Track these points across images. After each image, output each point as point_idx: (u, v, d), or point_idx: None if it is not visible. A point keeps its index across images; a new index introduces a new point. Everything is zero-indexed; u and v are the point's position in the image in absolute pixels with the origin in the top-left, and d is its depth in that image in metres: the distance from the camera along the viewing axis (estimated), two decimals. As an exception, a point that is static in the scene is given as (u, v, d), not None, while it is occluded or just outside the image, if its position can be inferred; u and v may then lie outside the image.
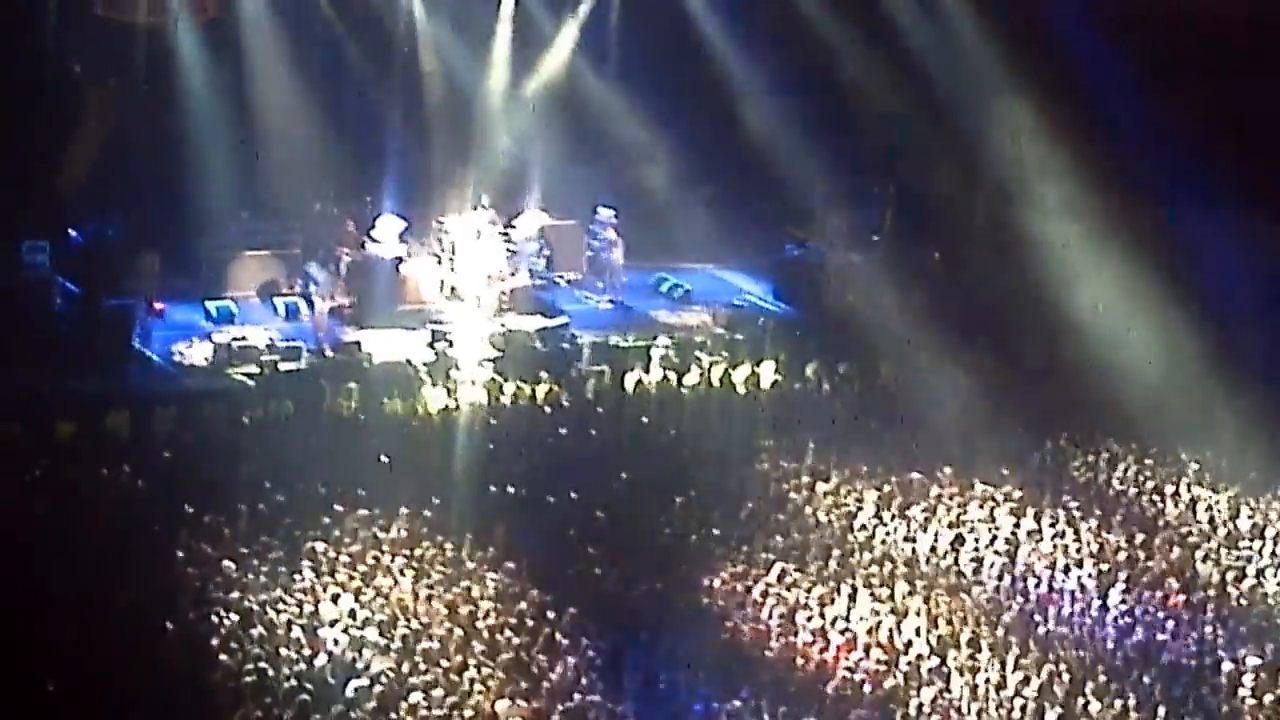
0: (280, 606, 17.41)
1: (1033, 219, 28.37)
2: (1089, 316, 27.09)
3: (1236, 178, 27.65)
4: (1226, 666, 18.35)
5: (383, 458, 21.37)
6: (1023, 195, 28.61)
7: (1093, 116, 28.22)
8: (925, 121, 28.81)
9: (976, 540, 20.72)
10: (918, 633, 18.34)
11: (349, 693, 15.99)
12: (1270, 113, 27.79)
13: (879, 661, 17.62)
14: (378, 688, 16.09)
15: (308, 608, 17.48)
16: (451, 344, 25.06)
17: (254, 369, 24.01)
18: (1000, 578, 19.92)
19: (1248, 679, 18.02)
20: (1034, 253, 27.82)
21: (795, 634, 18.15)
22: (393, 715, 15.86)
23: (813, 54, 29.09)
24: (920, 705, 17.02)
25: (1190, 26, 28.28)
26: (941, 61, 28.99)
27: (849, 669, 17.48)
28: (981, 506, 21.63)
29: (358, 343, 25.11)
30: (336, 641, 16.92)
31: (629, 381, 25.18)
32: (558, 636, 17.39)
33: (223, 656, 16.35)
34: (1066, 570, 20.22)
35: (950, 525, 21.07)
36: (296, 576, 18.04)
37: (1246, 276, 27.60)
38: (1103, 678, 17.75)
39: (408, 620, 17.46)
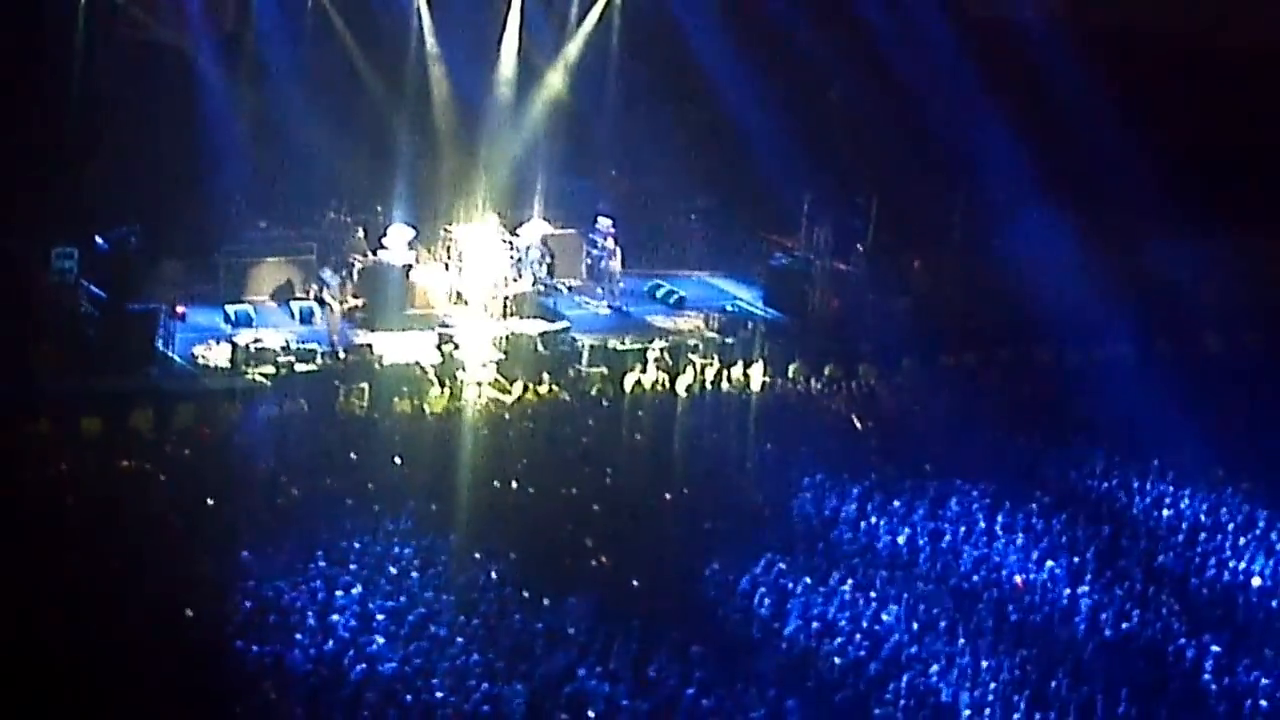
0: (294, 594, 17.76)
1: (1010, 229, 29.03)
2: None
3: (1210, 193, 28.23)
4: (1189, 653, 18.64)
5: (396, 459, 21.68)
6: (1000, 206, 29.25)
7: (1069, 131, 28.80)
8: (907, 136, 29.15)
9: (954, 533, 21.04)
10: (898, 620, 18.59)
11: (357, 676, 16.30)
12: (1247, 134, 28.51)
13: (861, 648, 17.89)
14: (386, 671, 16.44)
15: (320, 595, 17.82)
16: (458, 347, 25.36)
17: (271, 369, 24.34)
18: (976, 569, 20.21)
19: (1208, 664, 18.42)
20: (1010, 261, 28.47)
21: (782, 622, 18.45)
22: (400, 700, 16.11)
23: (802, 72, 29.60)
24: (899, 690, 17.23)
25: (1168, 50, 28.97)
26: (923, 78, 29.54)
27: (833, 655, 17.79)
28: (959, 501, 21.93)
29: (369, 345, 25.42)
30: (347, 628, 17.27)
31: (626, 382, 25.46)
32: (555, 624, 17.74)
33: (239, 641, 16.73)
34: (1039, 561, 20.47)
35: (930, 519, 21.40)
36: (310, 566, 18.42)
37: (1214, 285, 28.34)
38: (1072, 664, 18.01)
39: (416, 608, 17.77)
